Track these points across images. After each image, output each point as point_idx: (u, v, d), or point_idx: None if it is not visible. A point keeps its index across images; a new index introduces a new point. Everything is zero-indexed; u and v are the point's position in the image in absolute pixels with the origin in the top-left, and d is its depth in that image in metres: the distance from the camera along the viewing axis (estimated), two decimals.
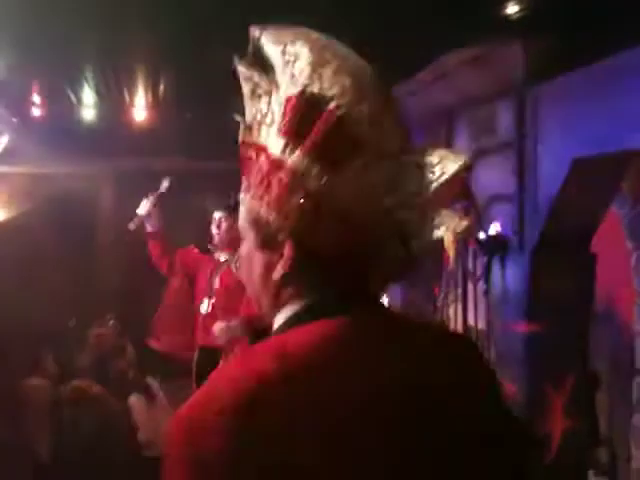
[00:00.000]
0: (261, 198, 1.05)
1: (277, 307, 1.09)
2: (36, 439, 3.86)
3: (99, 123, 6.17)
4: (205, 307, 4.22)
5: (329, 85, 1.03)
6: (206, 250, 4.46)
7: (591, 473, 4.56)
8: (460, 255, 6.05)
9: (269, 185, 1.04)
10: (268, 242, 1.06)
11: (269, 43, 1.07)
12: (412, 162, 1.10)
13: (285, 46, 1.06)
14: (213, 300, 4.19)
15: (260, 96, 1.09)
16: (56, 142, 6.00)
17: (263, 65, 1.09)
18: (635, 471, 4.61)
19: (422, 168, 1.10)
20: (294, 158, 1.02)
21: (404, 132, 1.09)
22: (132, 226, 4.46)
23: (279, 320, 1.08)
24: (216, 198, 4.40)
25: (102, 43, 5.09)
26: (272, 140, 1.05)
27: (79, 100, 5.97)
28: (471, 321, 5.96)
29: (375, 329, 1.05)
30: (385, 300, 7.30)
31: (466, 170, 1.16)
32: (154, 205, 4.50)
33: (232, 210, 4.05)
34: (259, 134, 1.08)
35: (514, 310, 4.46)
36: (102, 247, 7.17)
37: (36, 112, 5.80)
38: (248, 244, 1.11)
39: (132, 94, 6.08)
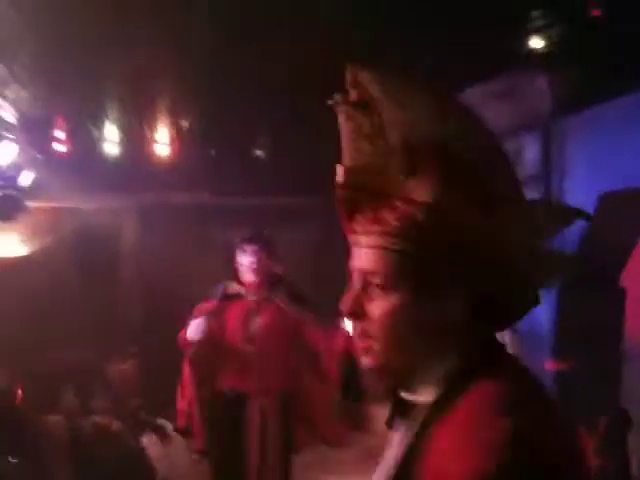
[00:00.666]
0: (419, 243, 1.01)
1: (431, 357, 1.04)
2: (55, 475, 3.81)
3: (122, 158, 6.21)
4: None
5: (455, 134, 1.03)
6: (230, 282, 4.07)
7: None
8: None
9: (425, 230, 1.00)
10: (431, 290, 1.02)
11: (376, 85, 1.03)
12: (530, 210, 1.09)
13: (399, 91, 1.04)
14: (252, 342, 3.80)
15: (365, 140, 1.05)
16: (79, 177, 6.04)
17: (363, 105, 1.05)
18: None
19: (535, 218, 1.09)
20: (448, 203, 1.00)
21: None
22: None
23: (437, 371, 1.03)
24: (239, 233, 4.06)
25: (124, 79, 5.16)
26: (398, 184, 1.01)
27: (102, 135, 6.03)
28: None
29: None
30: None
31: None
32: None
33: (264, 247, 3.80)
34: (370, 178, 1.04)
35: (543, 347, 4.37)
36: (124, 281, 7.17)
37: (60, 148, 5.84)
38: (400, 293, 1.03)
39: (154, 129, 6.13)
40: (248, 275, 3.78)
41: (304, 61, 4.26)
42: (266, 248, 3.79)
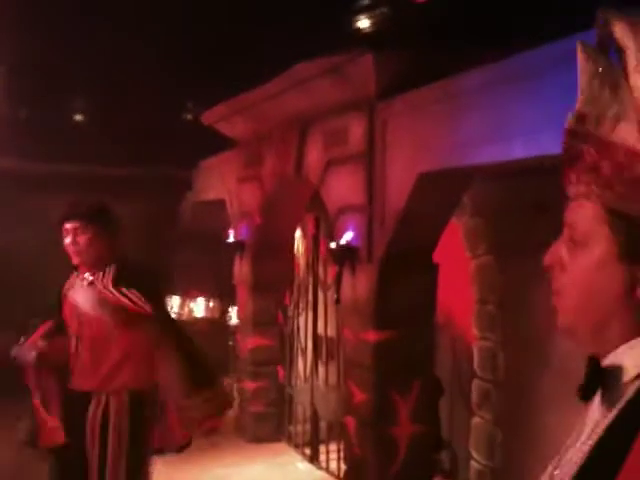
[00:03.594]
0: (628, 198, 0.91)
1: (630, 336, 0.93)
2: None
3: None
4: (73, 347, 3.39)
5: None
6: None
7: (436, 477, 4.73)
8: (311, 263, 6.10)
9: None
10: (630, 251, 0.91)
11: (626, 30, 0.94)
12: None
13: None
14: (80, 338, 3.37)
15: (604, 85, 0.96)
16: None
17: (608, 48, 0.96)
18: (475, 471, 4.83)
19: None
20: None
21: None
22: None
23: (633, 354, 0.92)
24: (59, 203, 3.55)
25: None
26: (631, 136, 0.92)
27: None
28: (321, 329, 6.03)
29: None
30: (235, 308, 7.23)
31: None
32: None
33: (89, 220, 3.31)
34: (601, 126, 0.95)
35: (363, 319, 4.54)
36: None
37: None
38: (595, 252, 0.94)
39: None
40: (73, 258, 3.36)
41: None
42: (92, 223, 3.33)
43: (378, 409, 4.45)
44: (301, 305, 6.35)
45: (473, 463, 4.84)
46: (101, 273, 3.34)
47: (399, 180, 4.39)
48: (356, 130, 4.77)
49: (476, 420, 4.84)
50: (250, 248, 6.35)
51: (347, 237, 4.57)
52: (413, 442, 4.39)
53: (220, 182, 7.25)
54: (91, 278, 3.36)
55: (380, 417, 4.45)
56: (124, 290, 3.25)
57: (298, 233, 6.51)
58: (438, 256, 4.65)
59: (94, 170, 6.66)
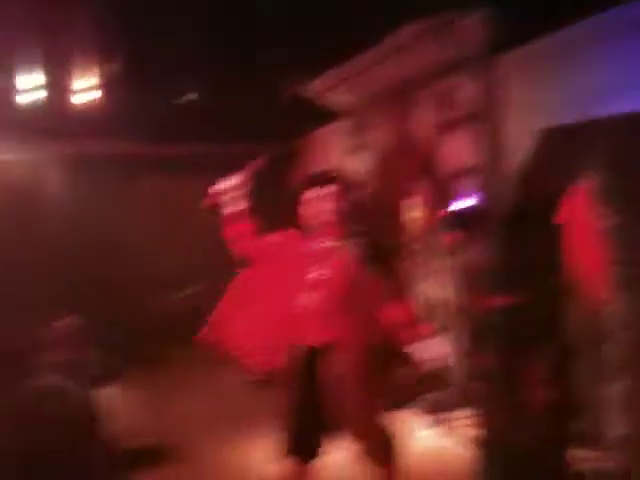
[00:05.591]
0: None
1: None
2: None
3: (41, 107, 5.90)
4: (306, 301, 3.52)
5: None
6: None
7: (573, 445, 4.61)
8: (431, 229, 6.01)
9: None
10: None
11: None
12: None
13: None
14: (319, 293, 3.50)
15: None
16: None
17: None
18: (612, 439, 4.67)
19: None
20: None
21: None
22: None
23: None
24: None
25: (40, 23, 4.88)
26: None
27: (19, 85, 5.71)
28: (442, 294, 5.96)
29: None
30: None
31: None
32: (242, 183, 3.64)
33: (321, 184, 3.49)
34: None
35: (487, 284, 4.44)
36: (48, 235, 6.89)
37: None
38: None
39: (74, 75, 5.84)
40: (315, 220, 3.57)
41: None
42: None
43: (507, 376, 4.35)
44: (415, 273, 6.29)
45: (609, 430, 4.67)
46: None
47: (517, 138, 4.24)
48: (468, 90, 4.64)
49: (612, 386, 4.65)
50: None
51: (464, 201, 4.46)
52: (545, 410, 4.27)
53: (327, 154, 7.25)
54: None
55: (510, 384, 4.35)
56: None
57: (409, 200, 6.43)
58: (564, 216, 4.48)
59: (204, 149, 6.81)
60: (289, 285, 3.54)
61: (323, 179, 3.50)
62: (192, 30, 5.17)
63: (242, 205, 3.60)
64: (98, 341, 4.89)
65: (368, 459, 3.46)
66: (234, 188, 3.59)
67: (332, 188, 3.45)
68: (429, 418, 5.99)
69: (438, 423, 5.87)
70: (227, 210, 3.61)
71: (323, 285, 3.45)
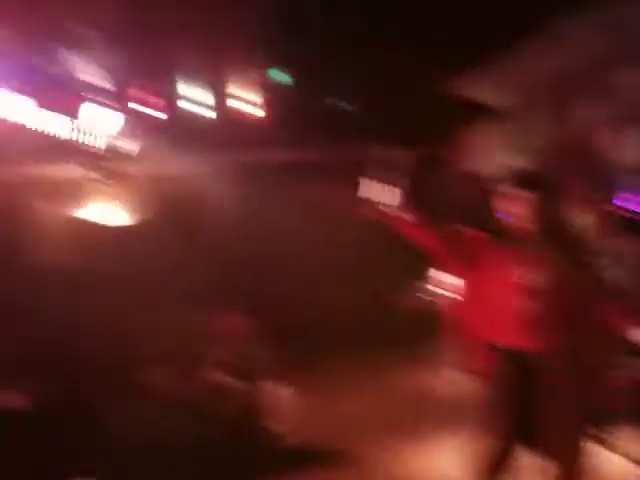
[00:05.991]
0: None
1: None
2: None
3: (218, 120, 6.27)
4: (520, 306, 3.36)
5: None
6: None
7: None
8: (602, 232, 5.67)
9: None
10: None
11: None
12: None
13: None
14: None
15: None
16: (177, 142, 6.15)
17: None
18: None
19: None
20: None
21: None
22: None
23: None
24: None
25: (214, 39, 5.18)
26: None
27: (197, 99, 6.11)
28: None
29: None
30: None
31: None
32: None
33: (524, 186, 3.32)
34: None
35: None
36: (227, 243, 7.28)
37: (158, 114, 5.97)
38: None
39: (248, 87, 6.15)
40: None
41: None
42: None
43: None
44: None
45: None
46: None
47: None
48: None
49: None
50: None
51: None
52: None
53: (478, 153, 7.09)
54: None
55: None
56: None
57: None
58: None
59: (366, 154, 6.90)
60: (498, 285, 3.36)
61: (527, 181, 3.30)
62: (350, 43, 5.29)
63: (408, 207, 3.54)
64: (266, 339, 5.09)
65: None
66: (395, 192, 3.57)
67: (535, 191, 3.26)
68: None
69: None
70: (396, 213, 3.55)
71: (537, 291, 3.26)
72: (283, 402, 4.50)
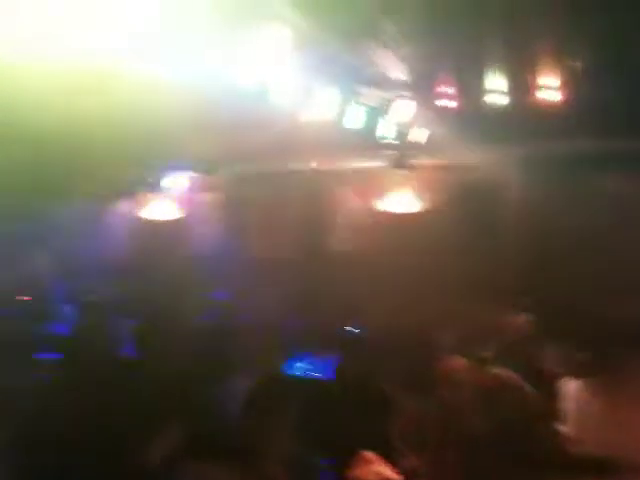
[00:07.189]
0: None
1: None
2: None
3: (509, 109, 6.11)
4: None
5: None
6: None
7: None
8: None
9: None
10: None
11: None
12: None
13: None
14: None
15: None
16: (468, 131, 6.11)
17: None
18: None
19: None
20: None
21: None
22: None
23: None
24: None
25: (507, 25, 5.03)
26: None
27: (489, 87, 5.99)
28: None
29: None
30: None
31: None
32: None
33: None
34: None
35: None
36: (514, 234, 7.11)
37: (450, 103, 5.96)
38: None
39: (542, 74, 5.91)
40: None
41: None
42: None
43: None
44: None
45: None
46: None
47: None
48: None
49: None
50: None
51: None
52: None
53: None
54: None
55: None
56: None
57: None
58: None
59: None
60: None
61: None
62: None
63: None
64: (562, 336, 4.86)
65: None
66: None
67: None
68: None
69: None
70: None
71: None
72: (578, 405, 4.29)
